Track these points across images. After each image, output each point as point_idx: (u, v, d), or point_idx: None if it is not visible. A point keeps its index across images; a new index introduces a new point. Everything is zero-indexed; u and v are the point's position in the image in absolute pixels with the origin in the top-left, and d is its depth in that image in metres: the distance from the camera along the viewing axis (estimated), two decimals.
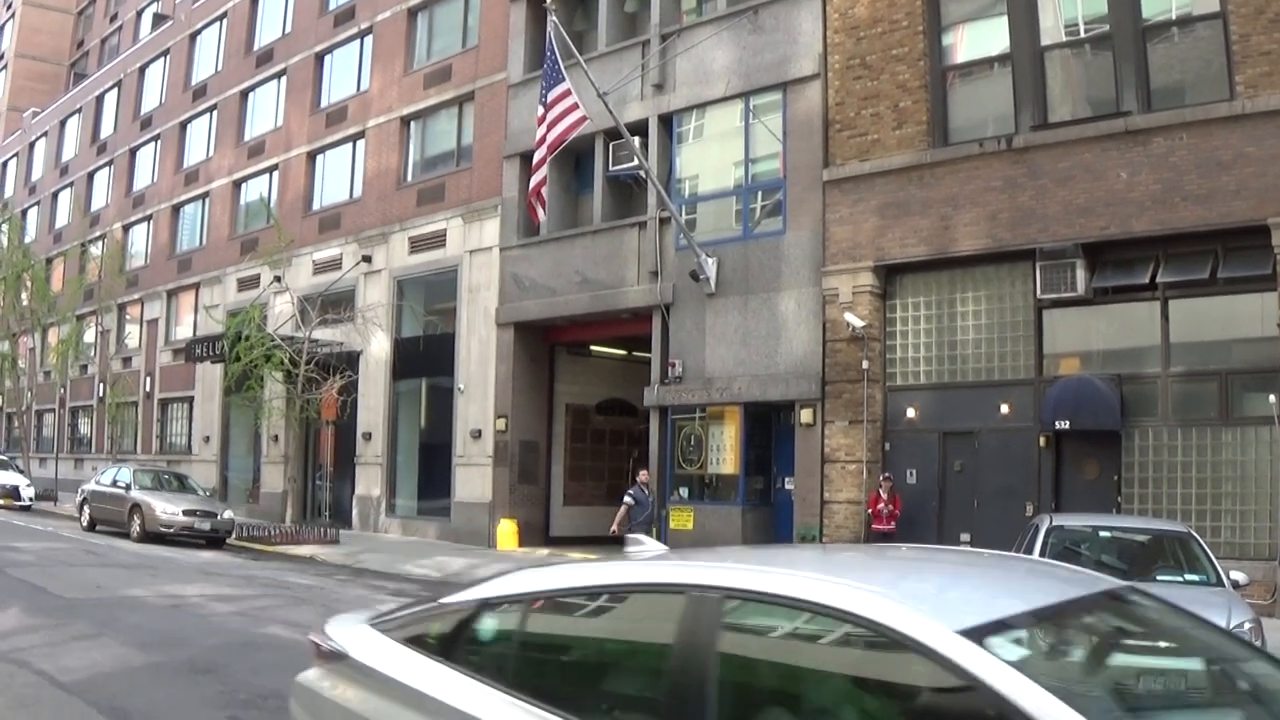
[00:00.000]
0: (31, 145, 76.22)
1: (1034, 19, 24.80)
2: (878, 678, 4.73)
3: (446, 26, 41.69)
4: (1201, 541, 14.78)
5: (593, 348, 38.16)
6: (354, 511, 41.04)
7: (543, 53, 28.99)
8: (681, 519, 30.06)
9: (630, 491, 26.45)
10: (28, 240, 64.18)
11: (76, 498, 39.77)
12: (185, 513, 33.44)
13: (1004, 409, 24.72)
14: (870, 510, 25.29)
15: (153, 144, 60.06)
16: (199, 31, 57.11)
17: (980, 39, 26.24)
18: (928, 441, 25.97)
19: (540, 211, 29.42)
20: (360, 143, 43.88)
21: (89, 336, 61.16)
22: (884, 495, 25.02)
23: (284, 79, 48.98)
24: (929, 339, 26.09)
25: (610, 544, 33.99)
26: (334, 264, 43.14)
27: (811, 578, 4.92)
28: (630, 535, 22.64)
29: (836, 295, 26.90)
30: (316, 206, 46.16)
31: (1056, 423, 23.11)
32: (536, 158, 28.43)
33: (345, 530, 37.92)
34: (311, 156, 46.66)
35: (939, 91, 26.22)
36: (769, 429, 29.67)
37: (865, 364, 26.22)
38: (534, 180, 28.75)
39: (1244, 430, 21.67)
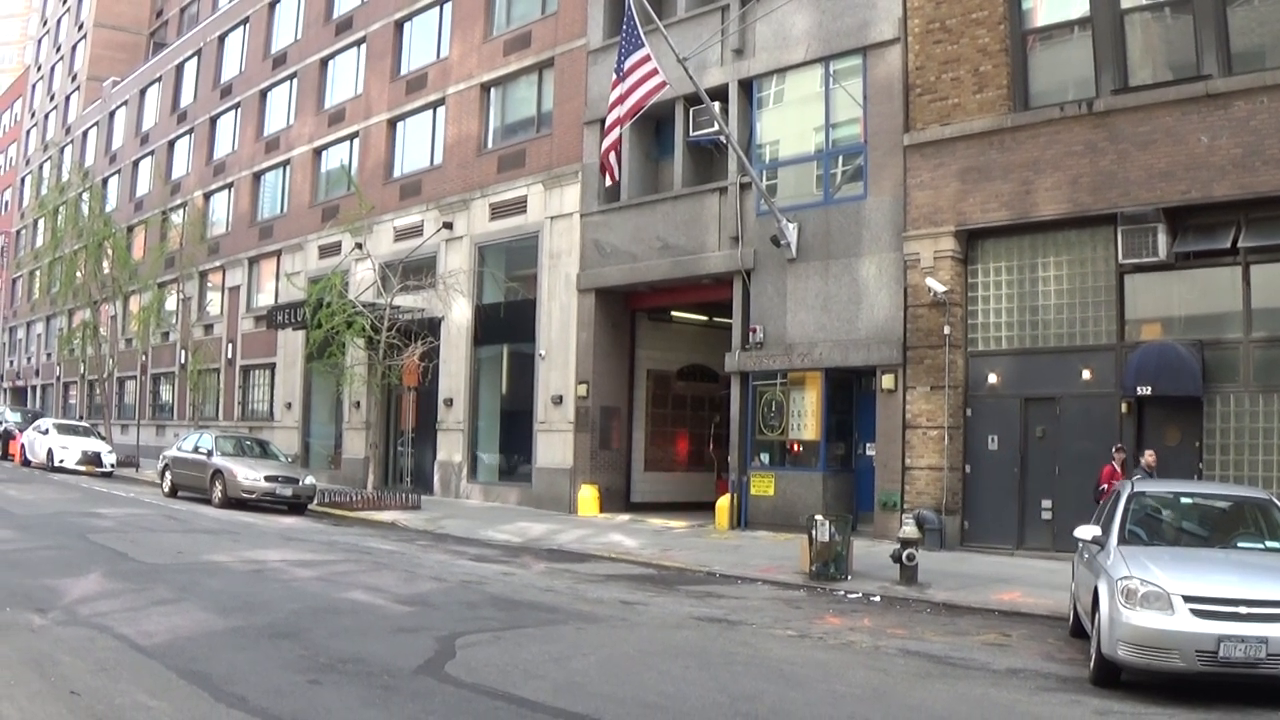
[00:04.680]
0: (112, 114, 77.21)
1: None
2: None
3: None
4: None
5: (674, 313, 38.29)
6: (435, 477, 41.50)
7: (621, 18, 28.99)
8: (762, 485, 30.20)
9: (1136, 476, 20.28)
10: (109, 209, 64.87)
11: (158, 464, 40.24)
12: (267, 479, 33.62)
13: (1085, 375, 24.69)
14: (1104, 485, 23.38)
15: (233, 112, 60.73)
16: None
17: (1060, 2, 26.02)
18: (1009, 407, 25.95)
19: (610, 174, 29.55)
20: (440, 110, 44.17)
21: (170, 304, 61.90)
22: (1118, 468, 24.00)
23: (364, 46, 49.37)
24: (1010, 304, 26.04)
25: (693, 510, 34.20)
26: (415, 231, 43.50)
27: None
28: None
29: (918, 260, 26.88)
30: (397, 174, 46.56)
31: (1138, 389, 23.06)
32: (610, 119, 28.45)
33: (426, 496, 38.42)
34: (392, 124, 47.03)
35: (1019, 55, 26.06)
36: (850, 394, 29.76)
37: (947, 329, 26.23)
38: (605, 143, 28.82)
39: None
